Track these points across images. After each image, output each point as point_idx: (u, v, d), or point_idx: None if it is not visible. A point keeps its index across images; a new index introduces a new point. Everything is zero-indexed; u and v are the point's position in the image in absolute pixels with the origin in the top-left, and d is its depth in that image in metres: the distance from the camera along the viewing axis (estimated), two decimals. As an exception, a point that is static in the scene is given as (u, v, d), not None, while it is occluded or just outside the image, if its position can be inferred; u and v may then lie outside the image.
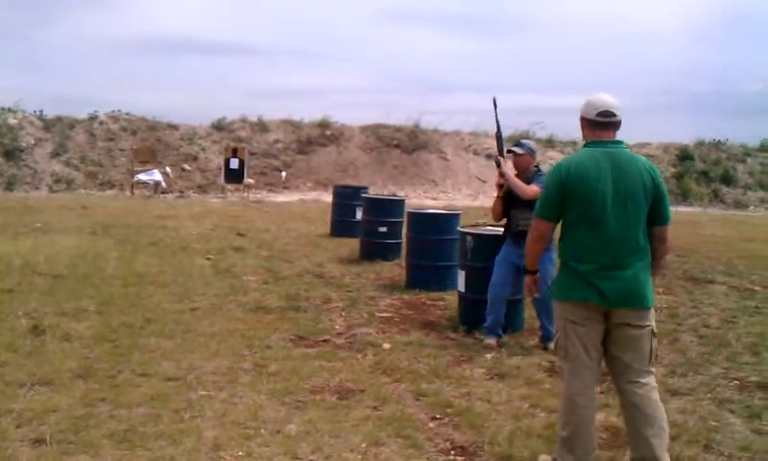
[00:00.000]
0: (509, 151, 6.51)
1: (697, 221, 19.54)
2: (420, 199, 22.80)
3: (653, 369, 3.76)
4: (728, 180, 27.61)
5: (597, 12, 54.77)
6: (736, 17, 54.11)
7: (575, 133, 28.15)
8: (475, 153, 26.61)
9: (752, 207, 26.13)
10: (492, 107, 6.89)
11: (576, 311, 3.67)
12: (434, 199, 23.42)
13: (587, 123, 3.77)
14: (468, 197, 24.21)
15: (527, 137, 27.39)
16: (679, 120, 46.27)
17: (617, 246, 3.60)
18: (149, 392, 4.80)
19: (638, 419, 3.66)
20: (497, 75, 50.72)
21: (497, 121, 6.81)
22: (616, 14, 55.11)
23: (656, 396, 3.71)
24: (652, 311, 3.72)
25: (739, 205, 26.45)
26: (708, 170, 27.82)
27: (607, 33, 54.05)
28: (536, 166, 6.48)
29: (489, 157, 25.22)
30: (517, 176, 6.39)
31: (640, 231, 3.65)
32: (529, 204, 6.03)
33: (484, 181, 25.06)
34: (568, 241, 3.74)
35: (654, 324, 3.72)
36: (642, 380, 3.67)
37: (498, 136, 6.63)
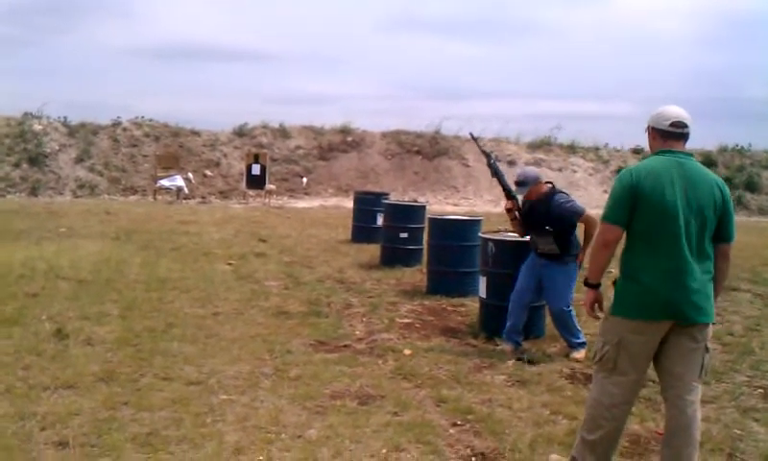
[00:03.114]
0: (513, 194, 6.44)
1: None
2: (442, 205, 22.80)
3: (700, 385, 3.70)
4: (752, 186, 27.36)
5: (605, 19, 54.65)
6: (740, 22, 53.76)
7: (597, 139, 28.18)
8: (497, 159, 26.43)
9: (776, 214, 25.85)
10: (473, 140, 6.89)
11: (636, 328, 3.57)
12: (455, 205, 23.40)
13: (658, 133, 3.68)
14: (489, 203, 24.13)
15: (548, 143, 27.44)
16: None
17: (686, 259, 3.50)
18: (171, 396, 4.83)
19: (679, 435, 3.63)
20: (512, 80, 50.79)
21: (484, 152, 6.88)
22: (623, 22, 54.93)
23: (699, 414, 3.67)
24: (709, 330, 3.65)
25: (763, 211, 26.20)
26: (731, 176, 27.51)
27: (614, 38, 53.89)
28: (549, 184, 6.41)
29: (511, 163, 25.17)
30: (533, 204, 6.29)
31: (708, 246, 3.58)
32: (547, 229, 6.05)
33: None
34: (634, 252, 3.63)
35: (709, 340, 3.65)
36: (690, 397, 3.61)
37: (491, 166, 6.63)
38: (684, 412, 3.61)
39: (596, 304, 3.85)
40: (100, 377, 5.13)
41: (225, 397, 4.87)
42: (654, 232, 3.53)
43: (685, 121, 3.65)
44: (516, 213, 6.45)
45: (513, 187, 6.41)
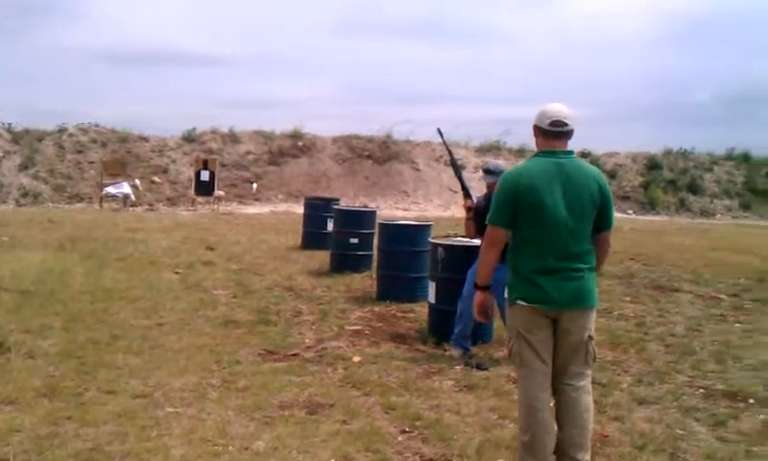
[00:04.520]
0: (471, 194, 6.55)
1: (663, 230, 19.82)
2: (392, 210, 22.86)
3: (589, 371, 3.87)
4: (694, 188, 28.01)
5: (558, 23, 55.48)
6: (689, 26, 55.12)
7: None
8: (446, 163, 26.65)
9: (718, 216, 26.54)
10: (439, 136, 7.03)
11: (528, 318, 3.75)
12: (406, 210, 23.49)
13: (539, 132, 3.84)
14: (439, 208, 24.31)
15: (497, 147, 27.71)
16: (633, 130, 47.04)
17: (565, 252, 3.70)
18: (115, 410, 4.74)
19: (567, 419, 3.80)
20: (463, 85, 51.16)
21: (449, 151, 7.03)
22: (574, 26, 55.85)
23: (588, 398, 3.83)
24: (594, 315, 3.82)
25: (706, 213, 26.85)
26: (675, 179, 28.21)
27: (565, 42, 54.73)
28: (496, 188, 6.47)
29: (460, 168, 25.31)
30: (489, 193, 6.37)
31: (587, 238, 3.76)
32: None
33: (455, 192, 25.12)
34: (518, 248, 3.82)
35: (593, 327, 3.82)
36: (576, 383, 3.79)
37: (454, 165, 6.76)
38: (570, 396, 3.78)
39: (485, 307, 4.00)
40: (42, 392, 5.01)
41: (171, 409, 4.80)
42: (534, 230, 3.72)
43: (565, 120, 3.79)
44: (471, 213, 6.48)
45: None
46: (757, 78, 52.68)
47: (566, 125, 3.79)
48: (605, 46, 54.44)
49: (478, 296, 4.02)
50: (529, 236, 3.76)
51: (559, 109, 3.83)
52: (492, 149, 27.87)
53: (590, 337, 3.81)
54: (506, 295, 3.90)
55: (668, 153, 29.64)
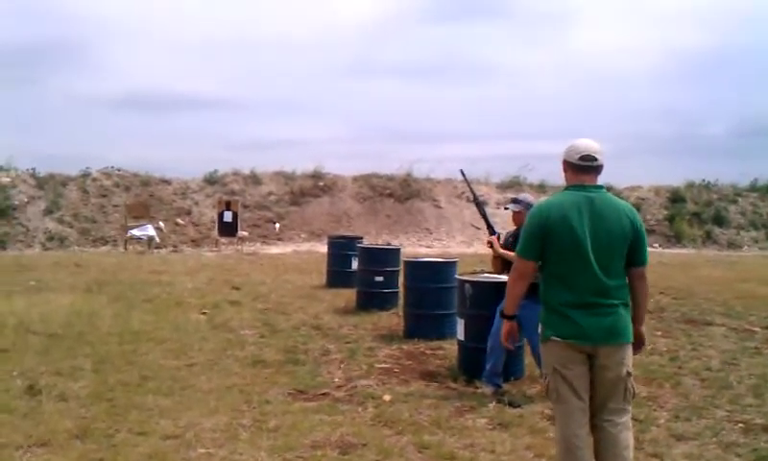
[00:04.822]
0: (506, 208, 6.57)
1: (691, 262, 19.58)
2: (414, 247, 22.81)
3: (629, 407, 3.82)
4: (720, 220, 27.73)
5: (565, 61, 55.62)
6: (699, 60, 55.13)
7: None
8: (468, 200, 26.61)
9: (745, 247, 26.23)
10: (462, 177, 7.06)
11: (563, 354, 3.71)
12: (428, 247, 23.43)
13: (569, 166, 3.84)
14: (462, 244, 24.23)
15: (518, 183, 27.66)
16: (649, 163, 46.81)
17: (597, 287, 3.66)
18: (147, 451, 4.72)
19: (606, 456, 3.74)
20: (476, 122, 51.30)
21: (472, 190, 7.08)
22: (582, 63, 56.02)
23: (628, 435, 3.76)
24: (630, 350, 3.77)
25: (733, 245, 26.54)
26: (699, 211, 27.96)
27: (575, 78, 54.78)
28: (526, 221, 6.45)
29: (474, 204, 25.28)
30: (517, 230, 6.38)
31: (619, 273, 3.73)
32: None
33: (478, 229, 25.06)
34: (548, 282, 3.80)
35: (631, 363, 3.78)
36: (616, 419, 3.74)
37: (477, 203, 6.78)
38: (610, 433, 3.72)
39: (511, 336, 4.09)
40: (74, 434, 5.00)
41: (203, 450, 4.77)
42: (565, 265, 3.71)
43: (595, 154, 3.79)
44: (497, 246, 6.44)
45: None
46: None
47: (596, 160, 3.79)
48: (614, 82, 54.39)
49: (505, 324, 4.09)
50: (559, 270, 3.75)
51: (588, 143, 3.84)
52: (514, 185, 27.80)
53: (629, 373, 3.76)
54: (539, 331, 3.86)
55: (691, 185, 29.41)
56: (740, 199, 28.98)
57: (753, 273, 16.84)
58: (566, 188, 3.85)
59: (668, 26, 56.44)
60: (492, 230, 6.57)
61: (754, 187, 29.60)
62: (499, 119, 51.82)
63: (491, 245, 6.50)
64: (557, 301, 3.73)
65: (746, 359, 7.77)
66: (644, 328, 3.89)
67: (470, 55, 54.91)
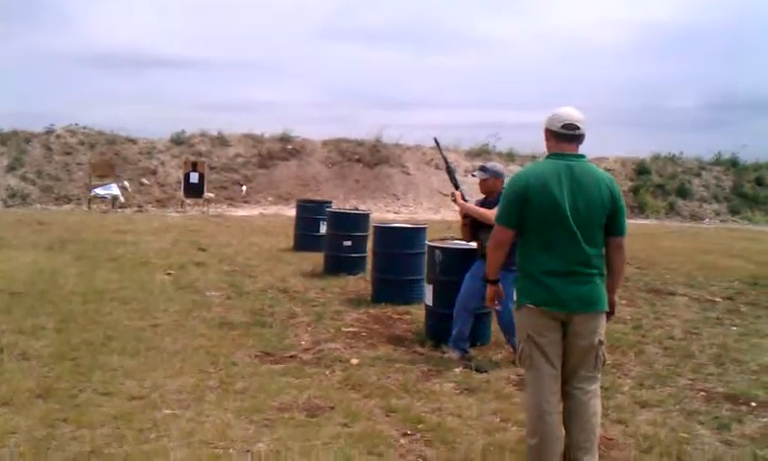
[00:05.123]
0: (473, 174, 6.54)
1: (654, 233, 19.84)
2: (382, 213, 22.79)
3: (599, 375, 3.87)
4: (683, 193, 28.12)
5: (537, 32, 55.80)
6: (669, 34, 55.59)
7: (535, 147, 28.65)
8: (437, 167, 26.67)
9: (707, 220, 26.63)
10: (435, 145, 7.04)
11: (537, 321, 3.72)
12: (395, 213, 23.43)
13: (551, 134, 3.83)
14: (429, 211, 24.26)
15: (487, 151, 27.70)
16: (617, 135, 47.25)
17: (575, 255, 3.68)
18: (112, 412, 4.66)
19: (576, 422, 3.79)
20: (448, 90, 51.28)
21: (444, 157, 7.06)
22: (554, 34, 56.21)
23: (596, 402, 3.82)
24: (604, 319, 3.79)
25: (695, 217, 26.96)
26: (664, 183, 28.31)
27: (546, 51, 55.04)
28: (504, 188, 6.43)
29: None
30: (485, 199, 6.39)
31: (597, 243, 3.73)
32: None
33: (446, 195, 25.05)
34: (526, 250, 3.80)
35: (603, 332, 3.80)
36: (586, 387, 3.78)
37: (449, 171, 6.75)
38: (580, 400, 3.77)
39: (496, 298, 4.22)
40: (37, 394, 4.92)
41: (168, 411, 4.72)
42: (543, 232, 3.72)
43: (577, 123, 3.79)
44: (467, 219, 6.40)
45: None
46: (737, 85, 53.20)
47: (578, 128, 3.79)
48: (585, 54, 54.80)
49: (489, 288, 4.18)
50: (537, 238, 3.74)
51: (570, 112, 3.82)
52: (482, 153, 27.84)
53: (601, 342, 3.78)
54: (514, 297, 3.87)
55: (656, 158, 29.77)
56: (704, 172, 29.40)
57: (714, 245, 17.12)
58: (547, 157, 3.84)
59: (639, 1, 56.66)
60: (463, 197, 6.52)
61: (717, 161, 30.04)
62: (471, 87, 51.89)
63: (454, 198, 6.45)
64: (536, 268, 3.72)
65: (707, 329, 7.89)
66: (616, 298, 3.91)
67: (445, 22, 54.83)
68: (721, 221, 26.60)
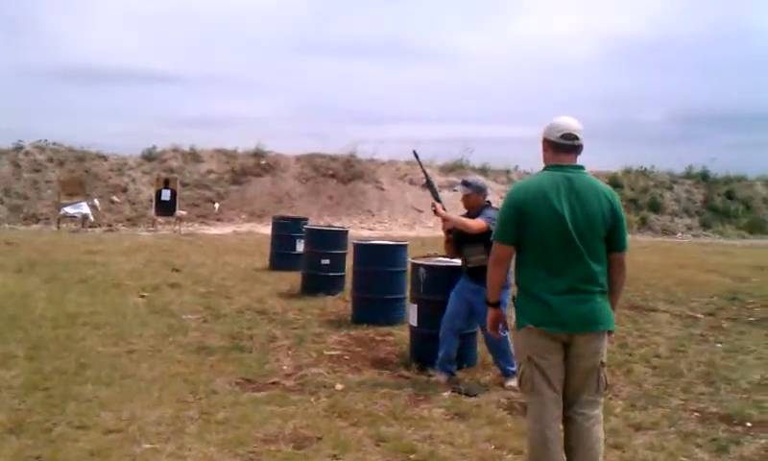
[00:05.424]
0: (454, 189, 6.41)
1: (629, 248, 19.84)
2: (357, 229, 22.56)
3: (601, 399, 3.73)
4: (655, 207, 28.31)
5: (508, 46, 56.30)
6: (637, 48, 56.43)
7: (507, 161, 28.67)
8: (411, 182, 26.58)
9: (679, 234, 26.82)
10: (415, 158, 6.93)
11: (539, 342, 3.58)
12: (370, 229, 23.24)
13: (549, 145, 3.71)
14: (404, 227, 24.12)
15: (461, 166, 27.65)
16: (587, 148, 47.48)
17: (576, 272, 3.54)
18: (88, 447, 4.43)
19: (578, 451, 3.64)
20: (419, 104, 51.42)
21: (424, 171, 6.93)
22: (525, 48, 56.81)
23: (599, 429, 3.67)
24: (606, 339, 3.65)
25: (667, 231, 27.12)
26: (636, 198, 28.47)
27: (517, 65, 55.52)
28: (487, 202, 6.31)
29: (425, 186, 25.20)
30: (467, 214, 6.25)
31: (599, 258, 3.60)
32: (479, 238, 5.89)
33: (420, 211, 25.02)
34: (525, 267, 3.66)
35: (605, 352, 3.67)
36: (588, 412, 3.63)
37: (429, 184, 6.60)
38: (583, 427, 3.61)
39: (499, 323, 3.98)
40: (8, 428, 4.66)
41: (148, 446, 4.49)
42: (543, 248, 3.57)
43: (576, 133, 3.67)
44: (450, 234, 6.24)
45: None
46: (704, 100, 54.01)
47: (577, 139, 3.67)
48: (555, 68, 55.24)
49: (491, 312, 3.96)
50: (537, 254, 3.60)
51: (569, 121, 3.70)
52: (456, 167, 27.75)
53: (602, 363, 3.64)
54: (513, 317, 3.73)
55: (628, 171, 29.98)
56: (675, 186, 29.66)
57: (690, 259, 17.18)
58: (545, 168, 3.71)
59: (606, 15, 57.37)
60: (437, 200, 6.33)
61: (689, 174, 30.33)
62: (442, 102, 52.03)
63: (435, 209, 6.26)
64: (536, 286, 3.58)
65: (693, 346, 7.83)
66: (614, 316, 3.78)
67: (416, 38, 55.04)
68: (693, 235, 26.80)
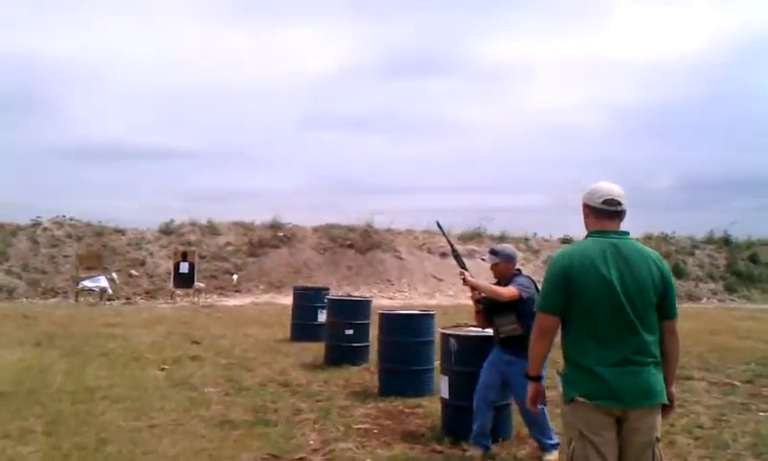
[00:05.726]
0: (482, 259, 6.25)
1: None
2: (377, 299, 22.33)
3: None
4: (678, 272, 27.89)
5: (515, 116, 56.80)
6: (643, 118, 56.72)
7: (526, 229, 28.54)
8: (429, 251, 26.44)
9: (704, 300, 26.37)
10: (438, 228, 6.84)
11: (591, 417, 3.36)
12: (390, 298, 23.03)
13: (590, 211, 3.57)
14: (424, 295, 23.88)
15: (479, 234, 27.51)
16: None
17: (628, 342, 3.34)
18: (109, 530, 4.19)
19: None
20: (431, 175, 51.66)
21: (449, 240, 6.85)
22: (530, 120, 57.23)
23: None
24: (660, 412, 3.45)
25: (692, 297, 26.67)
26: (659, 264, 28.10)
27: (524, 135, 55.84)
28: (517, 270, 6.12)
29: (443, 255, 25.08)
30: (497, 283, 6.05)
31: (651, 327, 3.41)
32: (510, 306, 5.70)
33: (440, 280, 24.81)
34: (573, 337, 3.46)
35: (660, 427, 3.46)
36: None
37: (455, 253, 6.45)
38: None
39: (538, 398, 3.77)
40: (25, 510, 4.45)
41: (173, 528, 4.25)
42: (592, 317, 3.38)
43: (618, 198, 3.54)
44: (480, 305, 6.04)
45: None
46: (714, 164, 53.99)
47: (620, 204, 3.54)
48: (561, 138, 55.42)
49: (531, 386, 3.73)
50: (584, 324, 3.40)
51: (611, 187, 3.56)
52: (475, 236, 27.64)
53: (657, 438, 3.41)
54: (561, 390, 3.50)
55: (649, 237, 29.67)
56: (697, 251, 29.34)
57: (720, 325, 16.78)
58: (588, 235, 3.53)
59: (612, 85, 57.85)
60: (464, 268, 6.14)
61: (710, 239, 30.02)
62: (454, 172, 52.22)
63: (463, 278, 6.07)
64: (583, 358, 3.37)
65: (735, 415, 7.49)
66: (674, 389, 3.54)
67: (425, 109, 55.55)
68: (719, 300, 26.35)
